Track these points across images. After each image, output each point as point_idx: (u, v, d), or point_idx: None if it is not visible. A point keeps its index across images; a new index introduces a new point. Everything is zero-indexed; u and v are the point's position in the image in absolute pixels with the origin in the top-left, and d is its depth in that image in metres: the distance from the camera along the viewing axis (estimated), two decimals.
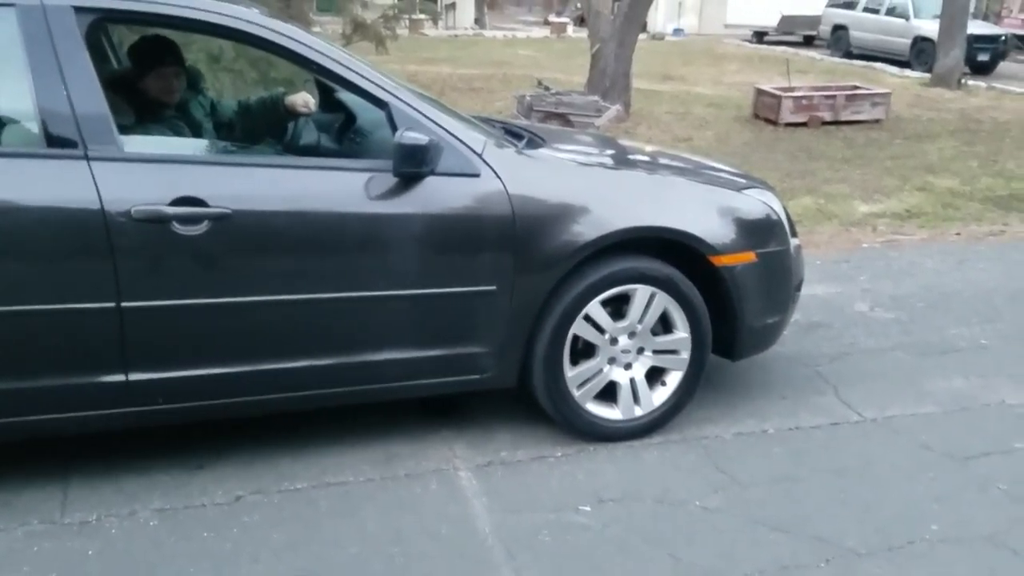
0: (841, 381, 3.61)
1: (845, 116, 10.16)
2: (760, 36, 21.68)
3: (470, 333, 2.85)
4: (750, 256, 3.07)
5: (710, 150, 8.68)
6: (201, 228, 2.48)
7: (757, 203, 3.19)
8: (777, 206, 3.27)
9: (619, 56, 10.05)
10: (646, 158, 3.63)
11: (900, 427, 3.25)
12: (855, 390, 3.53)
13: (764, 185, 3.44)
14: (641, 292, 2.95)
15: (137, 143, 2.70)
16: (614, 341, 3.00)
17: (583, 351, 3.00)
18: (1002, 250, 5.69)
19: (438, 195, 2.72)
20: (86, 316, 2.45)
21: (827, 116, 10.07)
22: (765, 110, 10.27)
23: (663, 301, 2.98)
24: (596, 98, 9.65)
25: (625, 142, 4.54)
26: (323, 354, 2.73)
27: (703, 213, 3.05)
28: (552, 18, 24.90)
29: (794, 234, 3.35)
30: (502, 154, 2.86)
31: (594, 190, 2.94)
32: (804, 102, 10.11)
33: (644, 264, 2.95)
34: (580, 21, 23.94)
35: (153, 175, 2.49)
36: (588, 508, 2.69)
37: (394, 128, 2.68)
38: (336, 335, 2.74)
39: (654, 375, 3.09)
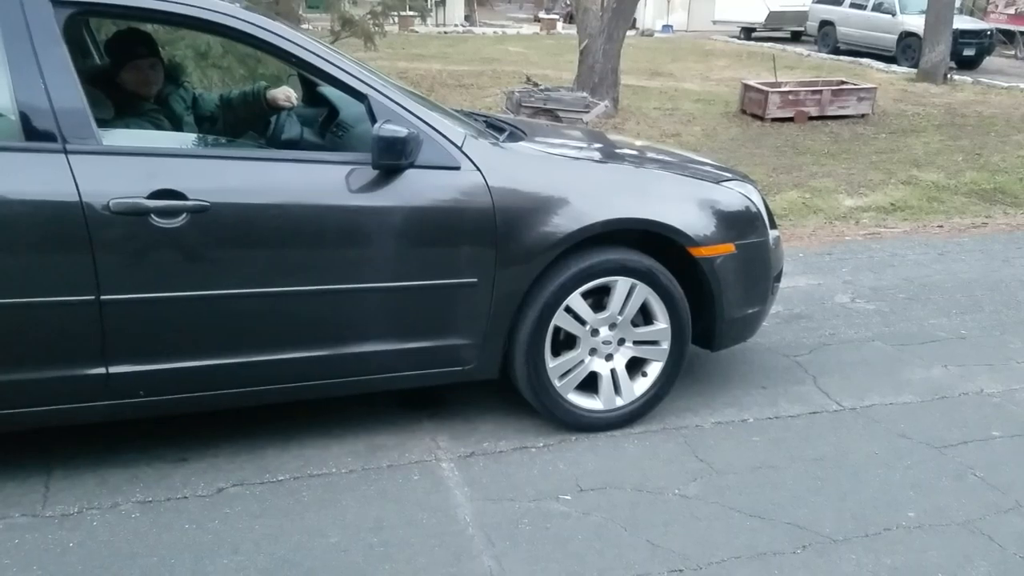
0: (820, 371, 3.65)
1: (831, 111, 10.22)
2: (748, 32, 21.73)
3: (452, 325, 2.86)
4: (729, 248, 3.10)
5: (698, 145, 8.72)
6: (180, 221, 2.49)
7: (736, 195, 3.22)
8: (756, 198, 3.30)
9: (607, 52, 10.08)
10: (629, 151, 3.65)
11: (878, 416, 3.29)
12: (834, 380, 3.57)
13: (744, 178, 3.47)
14: (621, 284, 2.97)
15: (116, 136, 2.71)
16: (595, 332, 3.03)
17: (565, 342, 3.02)
18: (984, 242, 5.74)
19: (418, 188, 2.73)
20: (66, 309, 2.46)
21: (813, 111, 10.12)
22: (752, 105, 10.32)
23: (643, 292, 3.00)
24: (584, 94, 9.68)
25: (612, 136, 4.58)
26: (304, 347, 2.74)
27: (683, 205, 3.07)
28: (542, 15, 24.92)
29: (773, 226, 3.38)
30: (482, 147, 2.88)
31: (575, 183, 2.95)
32: (791, 97, 10.17)
33: (625, 256, 2.97)
34: (570, 18, 23.97)
35: (132, 168, 2.50)
36: (568, 497, 2.72)
37: (374, 121, 2.69)
38: (317, 328, 2.75)
39: (635, 366, 3.12)
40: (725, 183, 3.27)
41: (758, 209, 3.25)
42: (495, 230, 2.79)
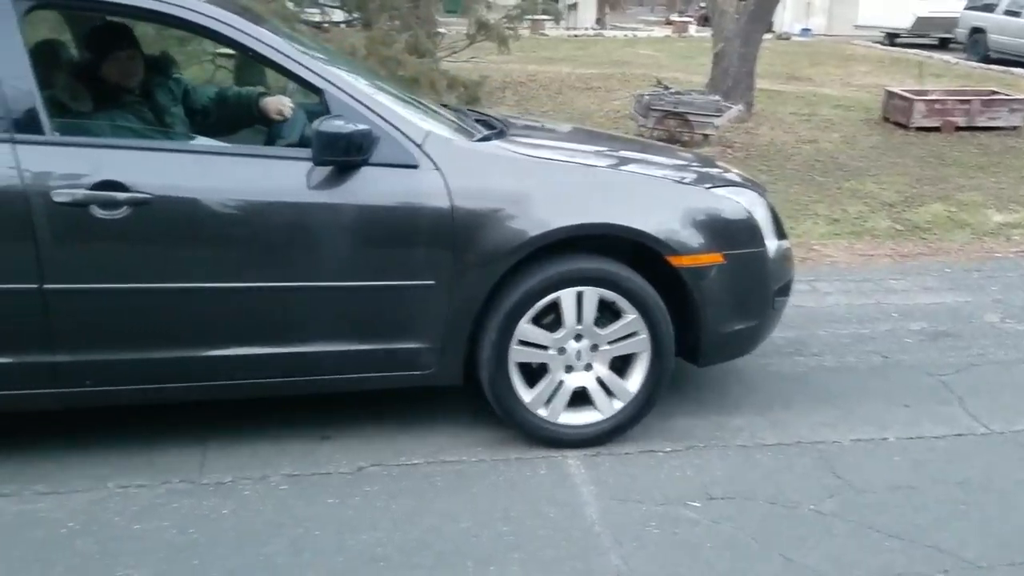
0: (968, 392, 3.48)
1: (980, 122, 9.66)
2: (892, 38, 20.75)
3: (408, 328, 2.79)
4: (716, 258, 2.92)
5: (836, 152, 8.44)
6: (121, 213, 2.51)
7: (729, 202, 3.03)
8: (757, 207, 3.10)
9: (743, 55, 9.86)
10: (615, 154, 3.42)
11: None
12: (982, 402, 3.40)
13: (750, 185, 3.28)
14: (566, 296, 2.83)
15: (67, 127, 2.72)
16: (562, 351, 2.91)
17: (548, 326, 2.89)
18: None
19: (371, 185, 2.67)
20: (10, 297, 2.51)
21: (961, 121, 9.59)
22: (895, 113, 9.88)
23: (593, 294, 2.84)
24: (717, 98, 9.49)
25: (609, 137, 4.36)
26: (250, 343, 2.71)
27: (661, 211, 2.91)
28: (674, 17, 24.61)
29: (783, 236, 3.20)
30: (444, 145, 2.79)
31: (542, 186, 2.83)
32: (937, 106, 9.67)
33: (569, 266, 2.83)
34: (703, 20, 23.54)
35: (76, 159, 2.52)
36: (697, 504, 2.70)
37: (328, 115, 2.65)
38: (264, 325, 2.72)
39: (621, 367, 2.99)
40: (717, 189, 3.09)
41: (754, 218, 3.04)
42: (453, 232, 2.71)
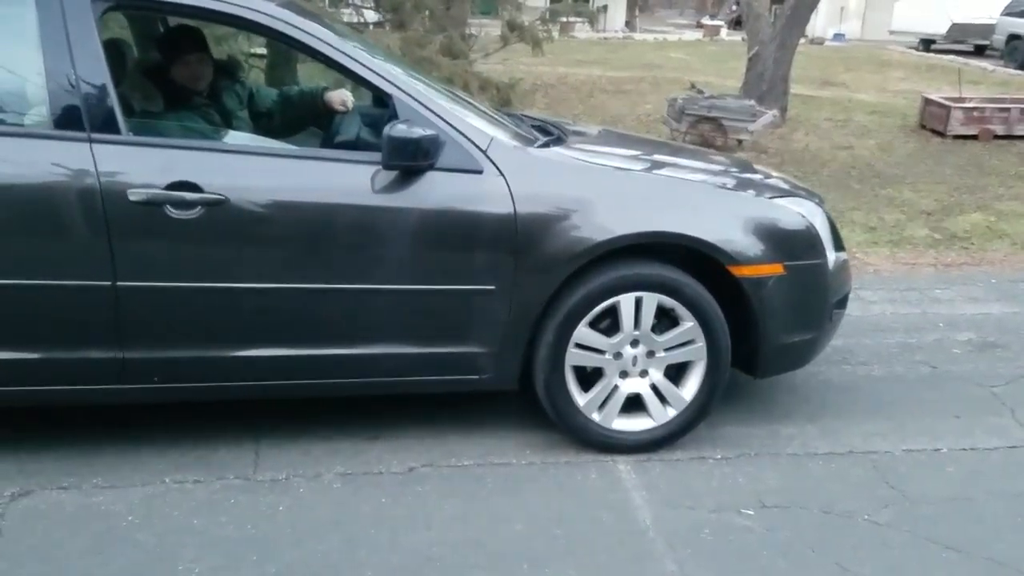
0: (1019, 404, 3.43)
1: (1019, 131, 9.53)
2: (927, 44, 20.55)
3: (467, 332, 2.81)
4: (777, 268, 2.90)
5: (872, 159, 8.38)
6: (195, 213, 2.54)
7: (790, 213, 3.02)
8: (817, 218, 3.08)
9: (778, 60, 9.81)
10: (676, 163, 3.38)
11: None
12: None
13: (809, 195, 3.26)
14: (625, 300, 2.83)
15: (141, 128, 2.76)
16: (618, 355, 2.91)
17: (593, 373, 2.92)
18: None
19: (436, 190, 2.69)
20: (83, 293, 2.54)
21: (999, 130, 9.48)
22: (932, 120, 9.78)
23: (653, 300, 2.84)
24: (751, 102, 9.43)
25: (672, 146, 4.33)
26: (313, 344, 2.74)
27: (723, 220, 2.90)
28: (705, 20, 24.52)
29: (840, 248, 3.18)
30: (509, 151, 2.80)
31: (604, 193, 2.83)
32: (975, 114, 9.57)
33: (627, 272, 2.82)
34: (735, 24, 23.45)
35: (152, 159, 2.56)
36: (751, 512, 2.68)
37: (397, 120, 2.67)
38: (327, 326, 2.74)
39: (676, 375, 2.98)
40: (779, 200, 3.08)
41: (815, 229, 3.02)
42: (515, 237, 2.72)
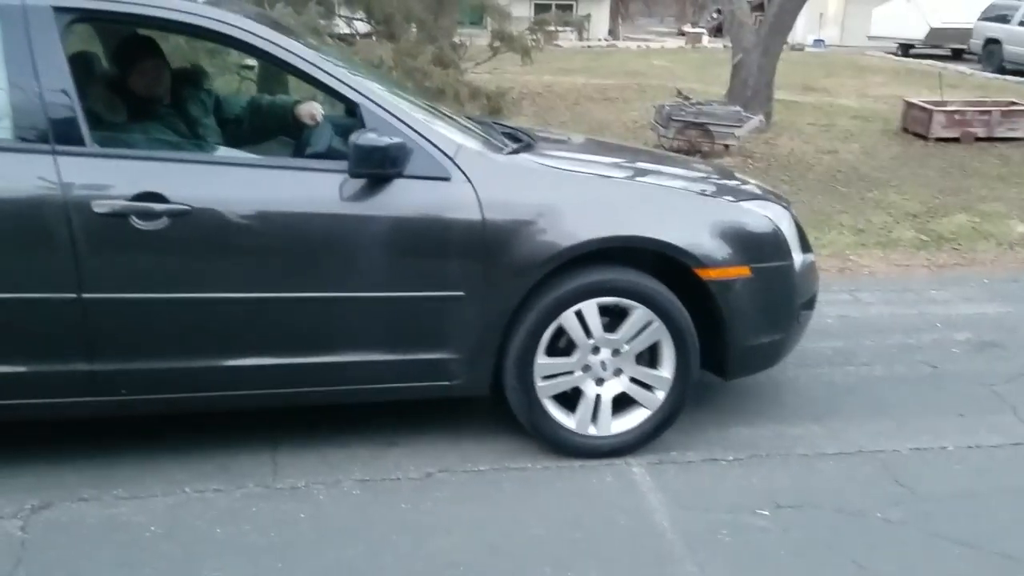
0: (1020, 402, 3.50)
1: (1000, 132, 9.70)
2: (906, 49, 20.83)
3: (438, 339, 2.81)
4: (744, 271, 2.93)
5: (856, 163, 8.49)
6: (161, 223, 2.53)
7: (756, 216, 3.05)
8: (784, 221, 3.11)
9: (762, 66, 9.92)
10: (642, 167, 3.44)
11: None
12: None
13: (775, 199, 3.30)
14: (640, 313, 2.87)
15: (105, 139, 2.74)
16: (596, 350, 2.92)
17: (563, 350, 2.91)
18: None
19: (404, 198, 2.69)
20: (50, 306, 2.53)
21: (981, 132, 9.63)
22: (914, 124, 9.93)
23: (658, 332, 2.89)
24: (738, 108, 9.53)
25: (637, 150, 4.39)
26: (281, 354, 2.73)
27: (690, 224, 2.93)
28: (687, 28, 24.69)
29: (807, 250, 3.23)
30: (476, 158, 2.82)
31: (571, 198, 2.85)
32: (957, 117, 9.72)
33: (646, 282, 2.87)
34: (716, 31, 23.64)
35: (117, 170, 2.55)
36: (766, 512, 2.72)
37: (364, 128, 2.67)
38: (296, 335, 2.74)
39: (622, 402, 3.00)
40: (745, 203, 3.12)
41: (782, 232, 3.05)
42: (484, 244, 2.73)
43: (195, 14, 2.69)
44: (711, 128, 8.93)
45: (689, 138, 8.74)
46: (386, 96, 2.84)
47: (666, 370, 2.97)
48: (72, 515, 2.56)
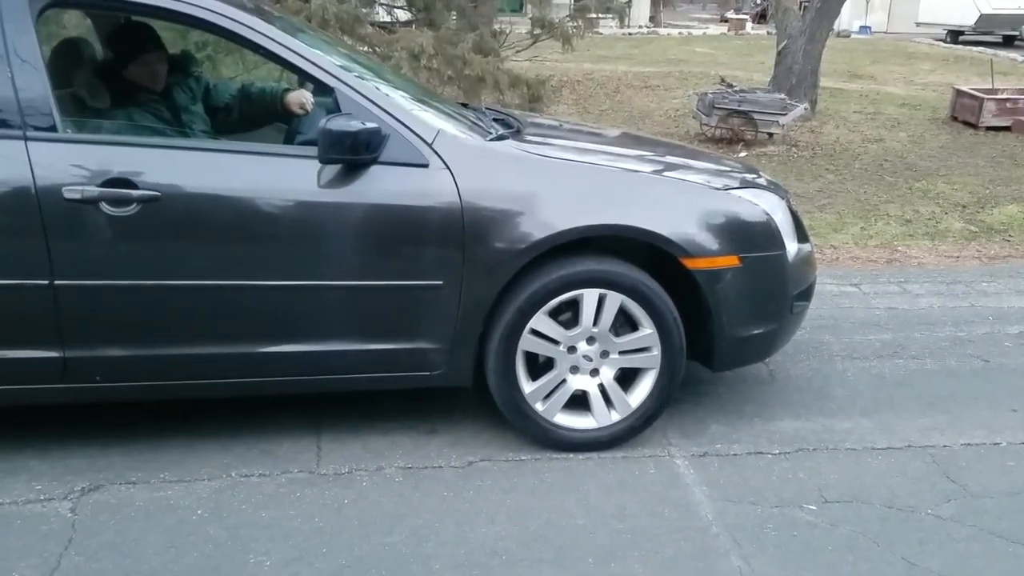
0: None
1: None
2: (955, 35, 20.34)
3: (416, 328, 2.76)
4: (732, 260, 2.86)
5: (904, 152, 8.32)
6: (131, 210, 2.50)
7: (746, 204, 2.96)
8: (777, 210, 3.02)
9: (808, 53, 9.75)
10: (632, 154, 3.33)
11: None
12: None
13: (771, 187, 3.21)
14: (588, 295, 2.79)
15: (80, 125, 2.73)
16: (572, 349, 2.86)
17: (544, 364, 2.88)
18: None
19: (380, 184, 2.64)
20: (21, 292, 2.51)
21: None
22: (964, 112, 9.70)
23: (616, 300, 2.80)
24: (782, 96, 9.38)
25: (631, 136, 4.30)
26: (255, 342, 2.70)
27: (676, 212, 2.86)
28: (730, 14, 24.37)
29: (804, 239, 3.14)
30: (456, 144, 2.75)
31: (553, 186, 2.79)
32: (1008, 105, 9.47)
33: (593, 266, 2.80)
34: (759, 17, 23.31)
35: (88, 156, 2.52)
36: (813, 507, 2.68)
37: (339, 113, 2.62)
38: (271, 323, 2.70)
39: (626, 379, 2.94)
40: (736, 191, 3.02)
41: (774, 221, 2.96)
42: (462, 232, 2.67)
43: None
44: (755, 116, 8.79)
45: (732, 126, 8.63)
46: (363, 81, 2.78)
47: (635, 399, 2.93)
48: (121, 497, 2.60)
